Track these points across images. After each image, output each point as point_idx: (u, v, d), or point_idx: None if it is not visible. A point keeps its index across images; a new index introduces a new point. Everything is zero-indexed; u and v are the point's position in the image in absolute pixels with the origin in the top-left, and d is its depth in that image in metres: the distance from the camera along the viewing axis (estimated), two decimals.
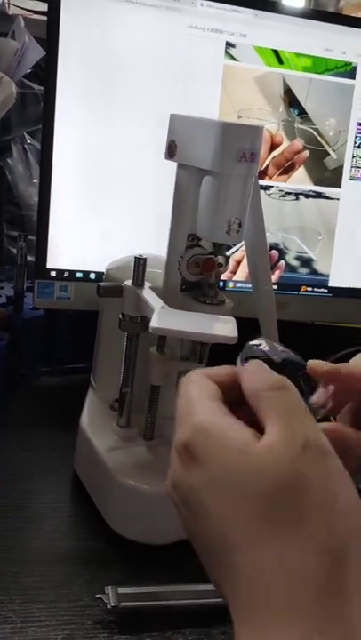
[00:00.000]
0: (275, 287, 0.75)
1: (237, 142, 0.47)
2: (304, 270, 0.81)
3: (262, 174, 0.77)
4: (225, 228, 0.49)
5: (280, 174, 0.78)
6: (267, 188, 0.78)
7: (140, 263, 0.53)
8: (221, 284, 0.78)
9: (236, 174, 0.48)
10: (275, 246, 0.80)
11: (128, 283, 0.53)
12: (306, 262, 0.81)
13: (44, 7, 0.95)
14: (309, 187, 0.79)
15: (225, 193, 0.49)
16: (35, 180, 0.86)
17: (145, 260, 0.53)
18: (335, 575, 0.24)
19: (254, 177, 0.49)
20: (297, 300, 0.81)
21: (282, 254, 0.80)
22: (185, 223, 0.52)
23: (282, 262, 0.80)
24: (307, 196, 0.79)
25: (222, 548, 0.26)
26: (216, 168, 0.48)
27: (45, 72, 0.72)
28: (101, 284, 0.53)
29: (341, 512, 0.26)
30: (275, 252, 0.80)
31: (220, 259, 0.51)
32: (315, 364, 0.34)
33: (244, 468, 0.26)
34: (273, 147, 0.77)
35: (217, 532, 0.26)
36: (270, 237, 0.79)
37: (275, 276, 0.80)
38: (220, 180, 0.49)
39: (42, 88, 0.85)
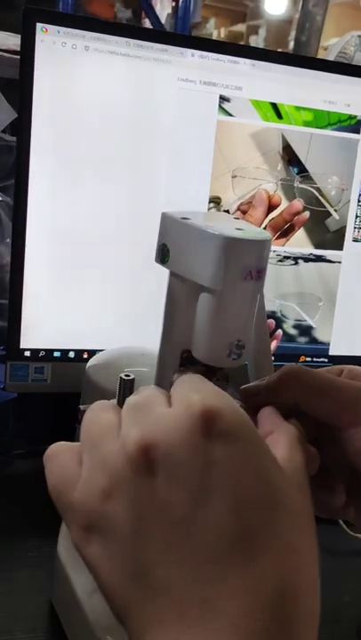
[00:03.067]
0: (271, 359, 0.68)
1: (242, 260, 0.38)
2: (303, 339, 0.74)
3: None
4: (225, 351, 0.41)
5: (278, 237, 0.70)
6: None
7: (125, 385, 0.44)
8: None
9: (239, 294, 0.40)
10: (271, 315, 0.72)
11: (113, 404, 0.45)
12: (305, 331, 0.74)
13: (16, 40, 0.87)
14: (309, 250, 0.72)
15: (226, 314, 0.41)
16: (7, 240, 0.77)
17: (132, 381, 0.44)
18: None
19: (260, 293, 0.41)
20: None
21: (279, 323, 0.73)
22: (178, 339, 0.44)
23: (279, 332, 0.73)
24: (306, 259, 0.72)
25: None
26: (217, 286, 0.40)
27: (18, 128, 0.63)
28: (82, 407, 0.45)
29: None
30: (271, 322, 0.72)
31: (215, 382, 0.44)
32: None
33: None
34: (271, 208, 0.69)
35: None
36: (267, 305, 0.71)
37: (272, 347, 0.73)
38: (221, 300, 0.40)
39: (15, 139, 0.76)
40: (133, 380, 0.45)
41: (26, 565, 0.57)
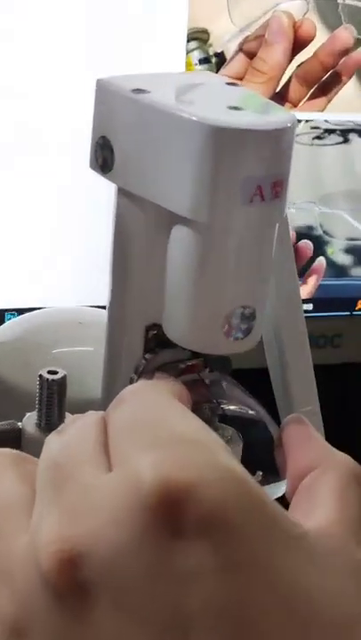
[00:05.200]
0: (308, 306, 0.68)
1: (243, 167, 0.37)
2: None
3: (279, 99, 0.68)
4: (221, 327, 0.39)
5: (312, 97, 0.69)
6: None
7: (50, 389, 0.43)
8: None
9: (241, 228, 0.38)
10: (307, 232, 0.72)
11: (30, 424, 0.43)
12: None
13: None
14: None
15: (219, 264, 0.39)
16: None
17: (61, 382, 0.43)
18: None
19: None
20: (352, 327, 0.75)
21: (320, 246, 0.73)
22: (137, 307, 0.44)
23: (321, 261, 0.73)
24: None
25: None
26: (200, 216, 0.38)
27: None
28: None
29: None
30: (307, 244, 0.72)
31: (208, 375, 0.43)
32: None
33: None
34: (298, 45, 0.67)
35: None
36: (301, 216, 0.71)
37: (310, 286, 0.72)
38: (209, 239, 0.39)
39: None
40: (64, 379, 0.44)
41: None
